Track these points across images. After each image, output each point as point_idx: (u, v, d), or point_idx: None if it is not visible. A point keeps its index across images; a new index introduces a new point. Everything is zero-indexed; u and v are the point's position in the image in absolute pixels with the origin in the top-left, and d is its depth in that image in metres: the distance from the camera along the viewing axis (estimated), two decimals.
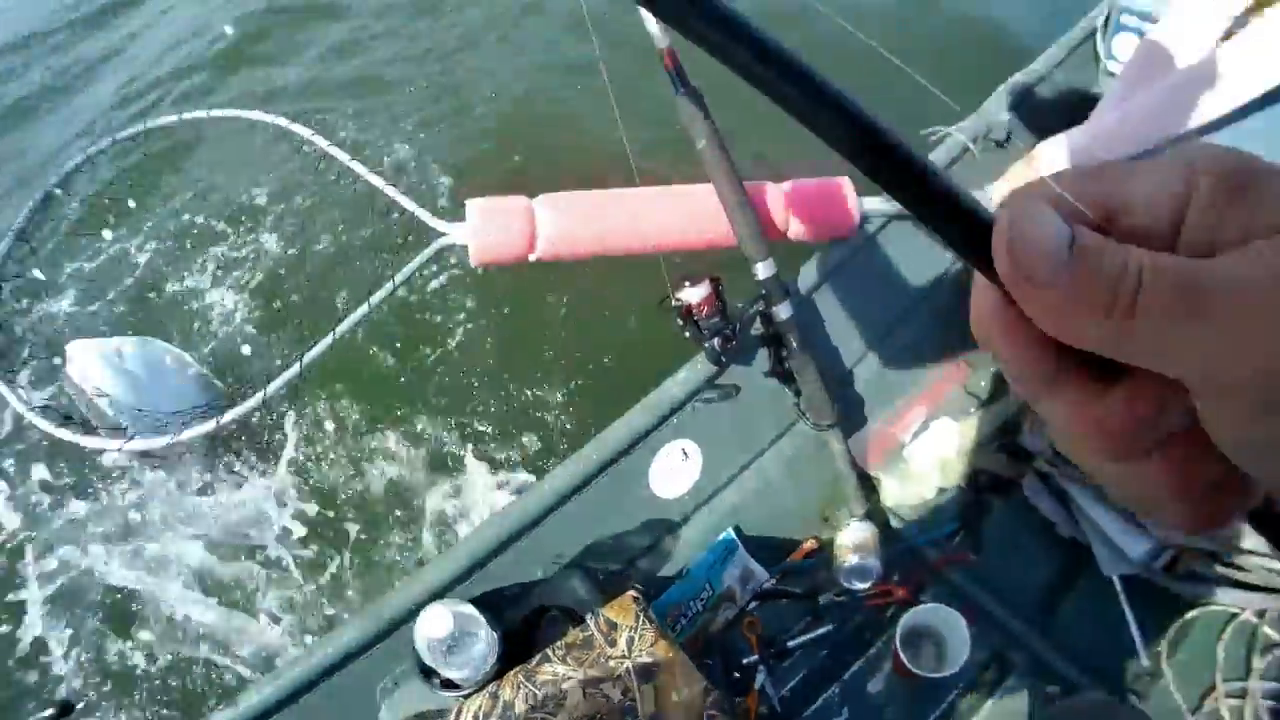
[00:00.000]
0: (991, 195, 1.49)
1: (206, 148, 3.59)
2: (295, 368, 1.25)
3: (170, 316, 2.93)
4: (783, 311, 1.24)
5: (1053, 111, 1.73)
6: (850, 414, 1.53)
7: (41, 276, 2.33)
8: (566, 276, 2.60)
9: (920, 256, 1.56)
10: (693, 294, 1.16)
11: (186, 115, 1.64)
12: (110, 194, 3.13)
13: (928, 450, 1.61)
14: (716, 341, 1.19)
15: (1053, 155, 1.53)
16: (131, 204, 3.26)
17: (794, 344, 1.27)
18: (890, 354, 1.55)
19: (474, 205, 1.21)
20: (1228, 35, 1.47)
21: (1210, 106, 1.40)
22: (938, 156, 1.57)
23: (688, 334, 1.19)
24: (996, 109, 1.65)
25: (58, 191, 1.66)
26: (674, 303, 1.17)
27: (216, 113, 1.69)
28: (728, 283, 1.24)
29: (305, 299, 2.86)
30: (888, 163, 0.24)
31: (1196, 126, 1.42)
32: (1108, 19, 1.89)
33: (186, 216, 3.30)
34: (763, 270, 1.20)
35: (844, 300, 1.45)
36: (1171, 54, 1.50)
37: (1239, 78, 1.36)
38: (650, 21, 1.10)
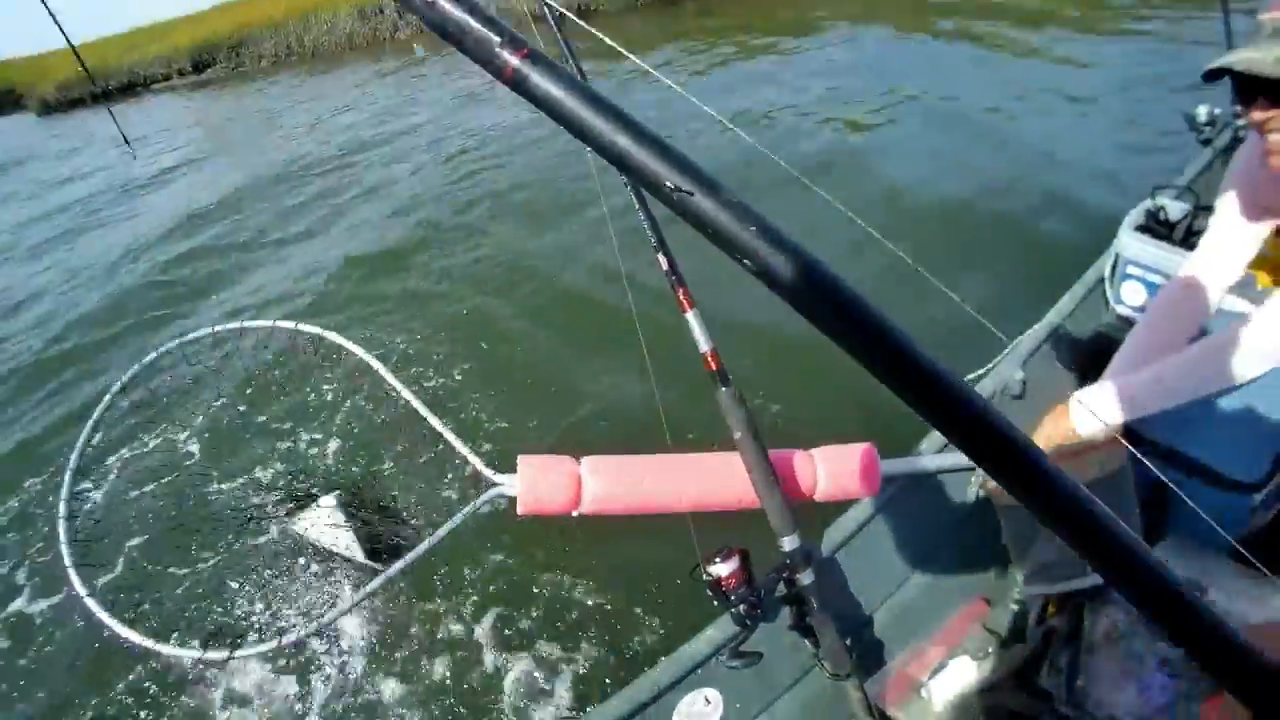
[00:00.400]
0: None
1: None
2: (348, 604, 1.35)
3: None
4: (805, 578, 1.34)
5: (1067, 361, 1.85)
6: (870, 656, 1.59)
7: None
8: (600, 527, 2.72)
9: (939, 505, 1.66)
10: (723, 568, 1.27)
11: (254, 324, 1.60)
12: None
13: (946, 689, 1.65)
14: (743, 608, 1.29)
15: (1085, 410, 1.61)
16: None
17: (815, 605, 1.36)
18: (910, 597, 1.62)
19: (525, 461, 1.31)
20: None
21: (1246, 367, 1.47)
22: None
23: (716, 602, 1.29)
24: (1012, 366, 1.77)
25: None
26: (705, 576, 1.27)
27: (286, 324, 1.59)
28: (754, 528, 1.36)
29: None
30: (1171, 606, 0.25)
31: (1233, 385, 1.49)
32: (1114, 267, 2.05)
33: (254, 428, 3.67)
34: (788, 544, 1.30)
35: (866, 555, 1.55)
36: (1190, 310, 1.59)
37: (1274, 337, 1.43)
38: (695, 328, 1.26)
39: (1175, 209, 2.07)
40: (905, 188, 5.10)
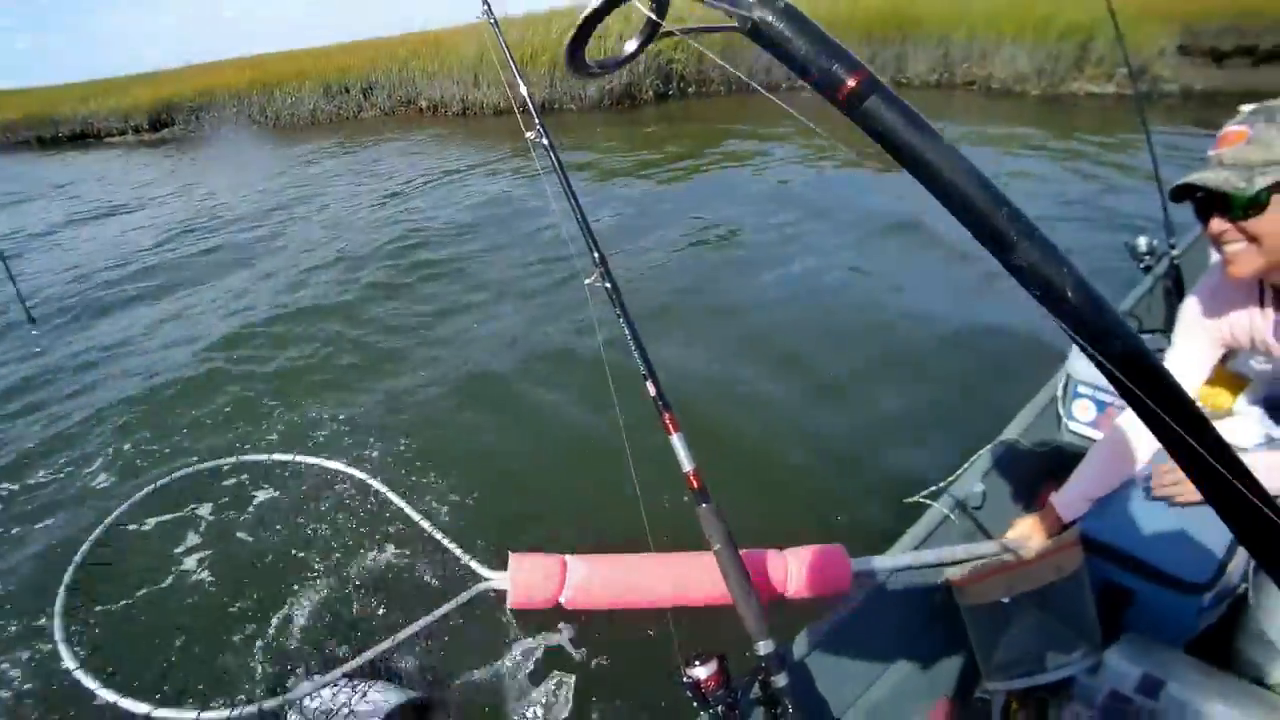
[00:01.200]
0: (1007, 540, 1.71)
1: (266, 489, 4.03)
2: (332, 674, 1.39)
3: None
4: (780, 680, 1.44)
5: (1023, 474, 2.01)
6: None
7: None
8: (584, 629, 2.78)
9: (906, 607, 1.78)
10: (701, 671, 1.38)
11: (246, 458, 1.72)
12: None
13: None
14: (720, 709, 1.39)
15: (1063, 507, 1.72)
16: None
17: (789, 707, 1.46)
18: (879, 697, 1.72)
19: (516, 558, 1.42)
20: None
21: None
22: (921, 526, 1.83)
23: (695, 703, 1.40)
24: (972, 480, 1.93)
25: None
26: (685, 679, 1.38)
27: (279, 457, 1.72)
28: (732, 629, 1.47)
29: (345, 620, 3.10)
30: None
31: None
32: (1065, 387, 2.24)
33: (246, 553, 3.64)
34: (763, 648, 1.42)
35: (837, 657, 1.66)
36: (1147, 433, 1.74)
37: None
38: (680, 450, 1.41)
39: None
40: (869, 304, 5.35)
